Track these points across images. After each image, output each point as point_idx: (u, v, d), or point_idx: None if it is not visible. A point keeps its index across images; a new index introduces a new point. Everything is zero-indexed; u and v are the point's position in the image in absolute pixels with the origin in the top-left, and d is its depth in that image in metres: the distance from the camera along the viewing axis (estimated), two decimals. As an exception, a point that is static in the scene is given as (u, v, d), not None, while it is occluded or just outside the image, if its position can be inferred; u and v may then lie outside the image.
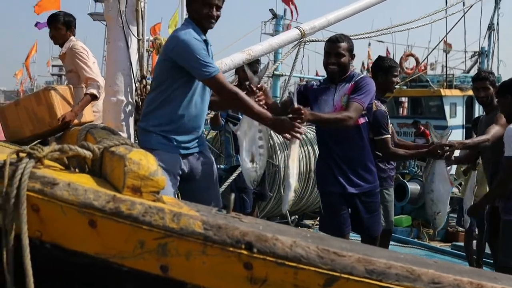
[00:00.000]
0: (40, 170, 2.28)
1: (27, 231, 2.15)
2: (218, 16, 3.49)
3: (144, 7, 3.48)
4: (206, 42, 3.47)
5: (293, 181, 3.48)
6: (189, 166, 3.42)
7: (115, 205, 2.15)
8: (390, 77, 4.80)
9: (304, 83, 6.33)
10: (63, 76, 40.87)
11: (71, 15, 5.45)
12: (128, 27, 3.39)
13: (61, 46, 5.19)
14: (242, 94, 3.43)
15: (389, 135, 4.67)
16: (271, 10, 15.08)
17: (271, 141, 6.58)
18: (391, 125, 5.02)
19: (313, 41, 5.32)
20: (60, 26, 5.15)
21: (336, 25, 5.59)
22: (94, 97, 4.69)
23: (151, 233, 2.15)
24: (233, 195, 2.46)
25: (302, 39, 5.04)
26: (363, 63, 33.47)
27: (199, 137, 3.52)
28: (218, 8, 3.44)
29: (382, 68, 4.74)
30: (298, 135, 3.42)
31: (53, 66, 43.74)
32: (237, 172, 4.64)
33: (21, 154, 2.30)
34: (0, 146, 2.76)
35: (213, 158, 3.80)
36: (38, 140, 5.25)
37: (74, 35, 5.25)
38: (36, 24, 20.81)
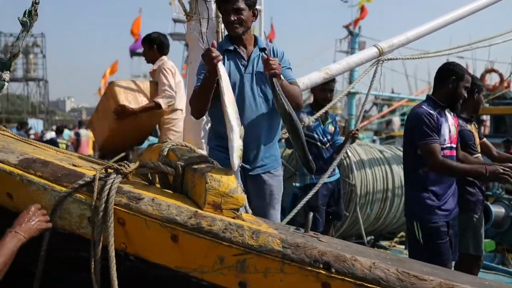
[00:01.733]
0: (127, 185, 2.39)
1: (114, 243, 2.26)
2: (240, 20, 3.13)
3: (224, 29, 3.58)
4: (230, 50, 3.22)
5: (234, 123, 2.68)
6: (245, 182, 3.24)
7: (197, 221, 2.21)
8: (480, 97, 4.62)
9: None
10: (142, 94, 42.35)
11: (165, 36, 5.69)
12: (209, 48, 3.51)
13: (153, 63, 5.44)
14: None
15: (479, 154, 4.49)
16: (346, 27, 15.00)
17: (347, 160, 6.53)
18: (484, 139, 4.83)
19: (391, 59, 5.23)
20: (152, 47, 5.39)
21: (414, 42, 5.47)
22: (158, 106, 4.96)
23: (230, 249, 2.19)
24: (311, 214, 2.46)
25: (380, 57, 4.97)
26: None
27: (258, 154, 3.23)
28: (236, 11, 3.11)
29: (477, 87, 4.56)
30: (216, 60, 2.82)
31: (132, 84, 45.73)
32: (313, 191, 4.63)
33: (109, 170, 2.43)
34: (89, 161, 2.91)
35: (277, 178, 3.38)
36: (122, 155, 5.53)
37: (166, 55, 5.48)
38: (131, 48, 22.16)
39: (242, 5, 3.11)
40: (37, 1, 3.18)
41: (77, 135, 16.83)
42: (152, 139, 12.58)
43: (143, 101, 5.00)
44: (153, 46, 5.39)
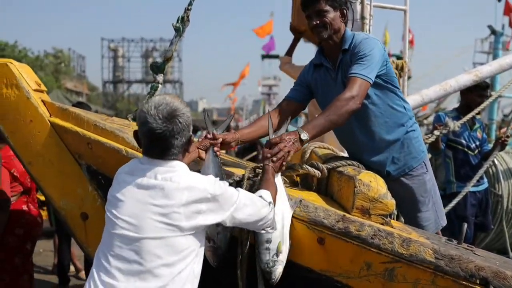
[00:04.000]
0: (274, 186, 2.43)
1: (261, 242, 2.30)
2: (323, 22, 2.81)
3: (369, 30, 3.52)
4: (317, 65, 2.98)
5: (284, 245, 2.23)
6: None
7: (344, 225, 2.19)
8: None
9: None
10: (271, 95, 43.22)
11: None
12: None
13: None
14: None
15: None
16: (489, 26, 14.08)
17: (494, 168, 6.08)
18: None
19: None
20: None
21: None
22: None
23: (378, 256, 2.13)
24: (465, 225, 2.32)
25: (537, 59, 4.56)
26: None
27: (380, 159, 2.91)
28: (318, 14, 2.82)
29: None
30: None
31: (263, 85, 46.77)
32: (457, 199, 4.38)
33: (257, 170, 2.48)
34: (239, 162, 3.02)
35: (417, 178, 2.98)
36: (253, 154, 5.58)
37: None
38: (264, 48, 22.69)
39: (325, 7, 2.81)
40: (189, 7, 3.34)
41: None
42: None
43: None
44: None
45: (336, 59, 2.87)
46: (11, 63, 2.98)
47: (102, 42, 63.69)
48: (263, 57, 35.49)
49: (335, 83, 2.88)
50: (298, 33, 5.16)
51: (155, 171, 1.99)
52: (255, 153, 14.03)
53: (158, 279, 1.91)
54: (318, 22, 2.81)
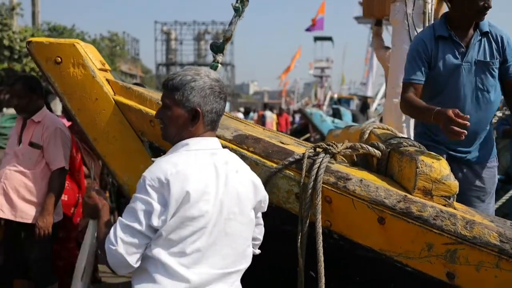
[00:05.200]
0: (334, 165, 2.44)
1: (321, 220, 2.31)
2: (489, 6, 2.90)
3: (431, 9, 3.43)
4: (444, 37, 2.96)
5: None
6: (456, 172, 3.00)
7: (406, 205, 2.17)
8: None
9: None
10: (323, 78, 42.80)
11: None
12: (415, 30, 3.39)
13: None
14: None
15: None
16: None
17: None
18: None
19: None
20: None
21: None
22: None
23: (440, 238, 2.11)
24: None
25: None
26: None
27: (473, 146, 3.02)
28: None
29: None
30: None
31: (315, 68, 46.36)
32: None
33: (318, 149, 2.49)
34: (294, 141, 3.02)
35: (490, 170, 3.11)
36: (307, 135, 5.57)
37: None
38: (308, 29, 22.55)
39: None
40: (249, -13, 3.35)
41: (263, 117, 17.67)
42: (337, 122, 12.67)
43: None
44: None
45: (466, 36, 2.96)
46: (77, 43, 3.09)
47: (155, 25, 64.55)
48: (316, 39, 35.19)
49: (462, 60, 2.94)
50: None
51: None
52: (308, 135, 14.05)
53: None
54: (488, 4, 2.87)
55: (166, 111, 1.94)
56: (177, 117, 1.91)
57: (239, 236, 1.94)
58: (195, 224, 1.79)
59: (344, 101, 25.17)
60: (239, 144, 2.62)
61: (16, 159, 3.71)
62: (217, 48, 3.32)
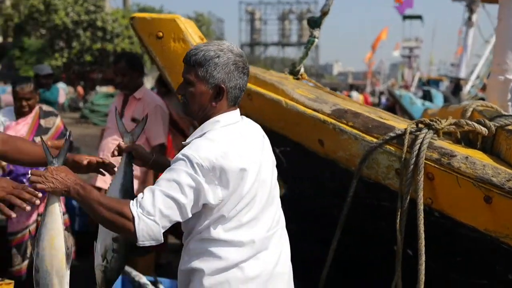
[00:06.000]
0: (437, 141, 2.36)
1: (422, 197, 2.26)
2: None
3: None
4: None
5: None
6: None
7: (516, 184, 2.07)
8: None
9: None
10: (411, 58, 41.33)
11: None
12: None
13: None
14: None
15: None
16: None
17: None
18: None
19: None
20: None
21: None
22: None
23: (554, 219, 2.00)
24: None
25: None
26: None
27: None
28: None
29: None
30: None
31: (403, 47, 44.81)
32: None
33: (420, 125, 2.42)
34: (391, 116, 2.96)
35: None
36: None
37: None
38: (398, 10, 21.88)
39: None
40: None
41: (350, 98, 17.45)
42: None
43: None
44: None
45: None
46: (178, 18, 3.18)
47: (240, 5, 65.08)
48: (404, 17, 33.98)
49: None
50: None
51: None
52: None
53: None
54: None
55: (188, 88, 1.85)
56: (201, 94, 1.83)
57: (277, 196, 1.96)
58: (248, 195, 1.79)
59: (433, 82, 24.22)
60: (338, 118, 2.60)
61: (118, 133, 3.89)
62: (314, 23, 3.29)
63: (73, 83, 24.06)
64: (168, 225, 1.71)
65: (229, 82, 1.82)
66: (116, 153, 2.07)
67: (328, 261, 2.67)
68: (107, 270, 1.97)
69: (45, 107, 4.11)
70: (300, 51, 3.63)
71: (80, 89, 23.41)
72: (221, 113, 1.84)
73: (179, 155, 1.74)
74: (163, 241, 1.73)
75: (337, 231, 2.63)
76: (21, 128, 3.86)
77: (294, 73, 3.35)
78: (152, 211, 1.68)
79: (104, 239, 1.97)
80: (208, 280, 1.78)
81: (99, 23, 23.52)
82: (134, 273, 3.43)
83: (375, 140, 2.43)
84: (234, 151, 1.75)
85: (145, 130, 3.87)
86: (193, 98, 1.85)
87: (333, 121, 2.60)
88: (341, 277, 2.89)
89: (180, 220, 1.74)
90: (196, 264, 1.81)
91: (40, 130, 3.95)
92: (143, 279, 3.39)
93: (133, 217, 1.67)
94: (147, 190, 1.72)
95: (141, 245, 1.71)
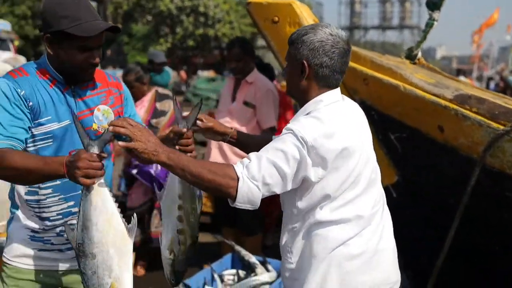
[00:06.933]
0: None
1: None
2: None
3: None
4: None
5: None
6: None
7: None
8: None
9: None
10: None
11: None
12: None
13: None
14: None
15: None
16: None
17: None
18: None
19: None
20: None
21: None
22: None
23: None
24: None
25: None
26: None
27: None
28: None
29: None
30: (90, 180, 1.69)
31: (515, 30, 41.97)
32: None
33: None
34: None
35: None
36: None
37: None
38: None
39: None
40: None
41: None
42: None
43: None
44: None
45: None
46: (293, 2, 3.20)
47: (340, -12, 64.02)
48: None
49: None
50: None
51: None
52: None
53: None
54: None
55: (286, 67, 1.89)
56: (291, 71, 1.85)
57: (379, 174, 1.93)
58: (353, 174, 1.78)
59: (551, 68, 22.51)
60: (461, 104, 2.52)
61: (230, 116, 4.01)
62: (434, 5, 3.18)
63: (177, 68, 24.98)
64: (267, 194, 1.73)
65: (313, 59, 1.79)
66: (171, 135, 2.02)
67: (445, 248, 2.60)
68: (175, 263, 2.01)
69: (161, 90, 4.32)
70: (402, 35, 3.53)
71: (183, 73, 24.23)
72: (320, 93, 1.83)
73: (285, 129, 1.77)
74: (258, 206, 1.73)
75: (455, 219, 2.56)
76: (138, 111, 4.09)
77: (411, 57, 3.27)
78: (257, 176, 1.70)
79: (168, 232, 2.00)
80: (314, 259, 1.82)
81: (201, 9, 24.15)
82: (244, 252, 3.55)
83: (501, 127, 2.33)
84: (338, 130, 1.76)
85: (256, 114, 3.98)
86: (288, 77, 1.89)
87: (455, 106, 2.52)
88: (455, 266, 2.81)
89: (278, 191, 1.75)
90: (302, 244, 1.85)
91: (156, 113, 4.17)
92: (253, 259, 3.49)
93: (238, 178, 1.70)
94: (253, 155, 1.74)
95: (236, 206, 1.72)
